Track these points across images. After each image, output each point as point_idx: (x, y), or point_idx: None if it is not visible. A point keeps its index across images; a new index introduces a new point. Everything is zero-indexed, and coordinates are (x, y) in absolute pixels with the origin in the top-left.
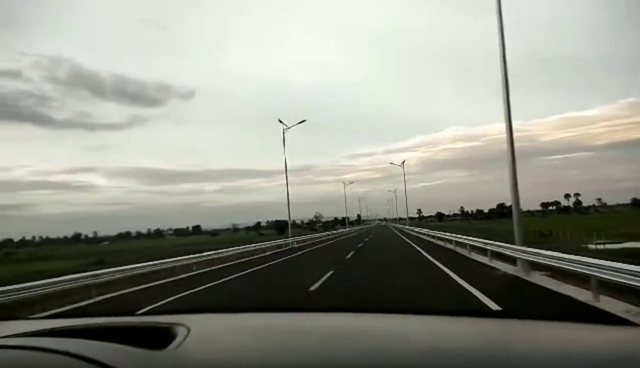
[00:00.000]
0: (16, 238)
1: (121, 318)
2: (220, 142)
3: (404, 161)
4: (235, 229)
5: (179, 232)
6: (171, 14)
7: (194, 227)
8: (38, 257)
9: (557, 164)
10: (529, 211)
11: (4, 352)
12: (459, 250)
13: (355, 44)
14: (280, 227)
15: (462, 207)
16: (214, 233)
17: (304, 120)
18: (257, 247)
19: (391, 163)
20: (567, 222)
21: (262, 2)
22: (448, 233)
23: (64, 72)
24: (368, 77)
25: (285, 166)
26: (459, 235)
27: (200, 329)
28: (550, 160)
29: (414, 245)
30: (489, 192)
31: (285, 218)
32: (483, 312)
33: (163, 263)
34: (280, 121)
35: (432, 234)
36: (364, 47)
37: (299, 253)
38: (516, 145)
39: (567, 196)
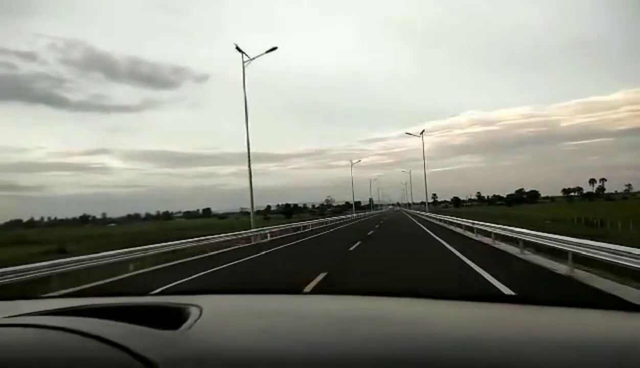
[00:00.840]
0: (27, 219)
1: (133, 298)
2: (235, 126)
3: (422, 131)
4: (243, 213)
5: (189, 215)
6: None
7: (204, 210)
8: (15, 240)
9: (576, 150)
10: (546, 197)
11: (17, 330)
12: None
13: (372, 29)
14: (287, 212)
15: (478, 193)
16: (222, 216)
17: (274, 48)
18: (234, 237)
19: (407, 133)
20: (603, 209)
21: None
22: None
23: (79, 54)
24: (384, 61)
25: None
26: (499, 226)
27: (213, 309)
28: (570, 145)
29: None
30: (505, 178)
31: (296, 202)
32: (496, 297)
33: (114, 255)
34: (238, 49)
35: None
36: (381, 32)
37: (275, 249)
38: (534, 130)
39: (592, 181)
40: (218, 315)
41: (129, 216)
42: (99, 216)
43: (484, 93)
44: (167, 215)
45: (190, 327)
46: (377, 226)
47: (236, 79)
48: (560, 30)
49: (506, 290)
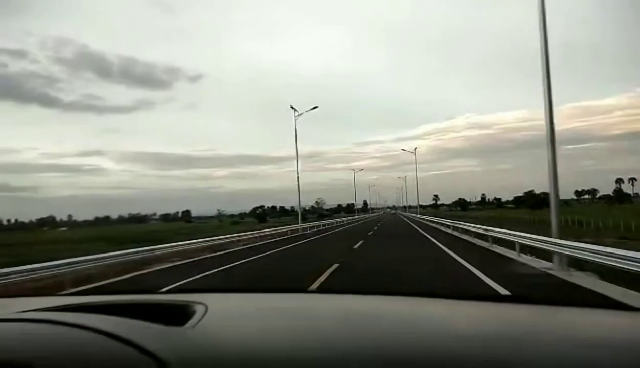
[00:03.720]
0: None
1: (139, 296)
2: (229, 128)
3: (415, 148)
4: (220, 216)
5: (166, 218)
6: None
7: (183, 212)
8: None
9: (574, 153)
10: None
11: (28, 325)
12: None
13: (367, 31)
14: (259, 217)
15: (483, 195)
16: (189, 220)
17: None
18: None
19: (403, 149)
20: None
21: None
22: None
23: (70, 53)
24: (380, 64)
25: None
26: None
27: (218, 308)
28: (567, 149)
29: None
30: (504, 181)
31: (292, 204)
32: (494, 297)
33: None
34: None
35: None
36: (376, 34)
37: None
38: (530, 133)
39: (618, 181)
40: (223, 313)
41: (97, 219)
42: (84, 217)
43: (480, 96)
44: (138, 219)
45: (196, 324)
46: (356, 247)
47: (230, 80)
48: (556, 35)
49: None
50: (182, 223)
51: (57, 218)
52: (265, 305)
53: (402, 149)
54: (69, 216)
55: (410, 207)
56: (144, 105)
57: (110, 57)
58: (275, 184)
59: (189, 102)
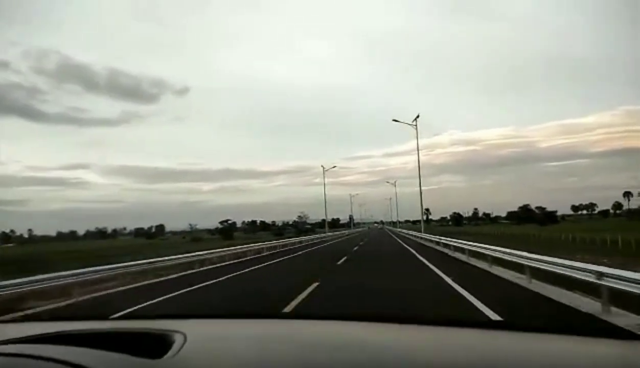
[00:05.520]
0: None
1: (114, 323)
2: (216, 142)
3: (395, 181)
4: (192, 231)
5: (139, 232)
6: (165, 8)
7: (157, 227)
8: None
9: (557, 171)
10: (552, 214)
11: None
12: None
13: (354, 47)
14: (225, 232)
15: (476, 209)
16: (180, 235)
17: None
18: None
19: (387, 182)
20: None
21: (262, 2)
22: None
23: (54, 64)
24: (368, 80)
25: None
26: None
27: (198, 336)
28: (551, 166)
29: None
30: (491, 196)
31: (282, 218)
32: (482, 323)
33: None
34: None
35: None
36: (363, 51)
37: None
38: (514, 150)
39: (626, 194)
40: (202, 342)
41: (59, 234)
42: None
43: (465, 113)
44: (104, 234)
45: (174, 355)
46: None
47: (217, 94)
48: (540, 53)
49: None
50: (143, 239)
51: (18, 233)
52: (247, 332)
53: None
54: (29, 230)
55: (399, 222)
56: (130, 118)
57: (95, 68)
58: (262, 199)
59: (176, 115)
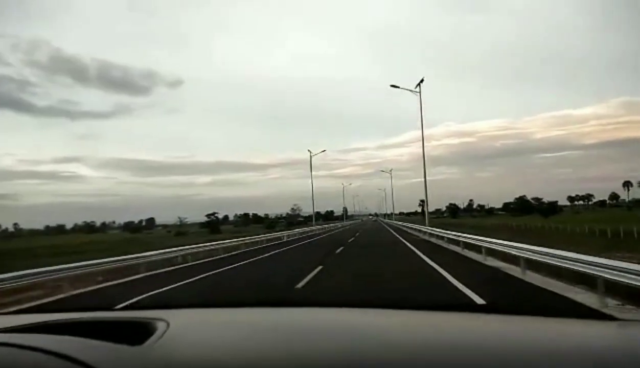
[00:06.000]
0: None
1: (98, 313)
2: (210, 134)
3: (391, 169)
4: (181, 224)
5: (127, 227)
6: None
7: (147, 220)
8: None
9: (551, 162)
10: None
11: None
12: None
13: (348, 38)
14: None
15: (471, 201)
16: (169, 229)
17: (324, 150)
18: None
19: (382, 170)
20: None
21: None
22: None
23: (44, 56)
24: (361, 71)
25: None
26: None
27: (180, 324)
28: (547, 157)
29: None
30: (486, 187)
31: (276, 211)
32: (468, 306)
33: None
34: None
35: None
36: (357, 42)
37: None
38: (509, 142)
39: (626, 184)
40: (185, 329)
41: (47, 227)
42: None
43: (460, 105)
44: (92, 227)
45: (156, 342)
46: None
47: (211, 86)
48: (535, 46)
49: None
50: (128, 233)
51: (4, 227)
52: (228, 321)
53: (381, 170)
54: (15, 224)
55: (393, 214)
56: (122, 111)
57: (86, 61)
58: (257, 191)
59: (169, 107)
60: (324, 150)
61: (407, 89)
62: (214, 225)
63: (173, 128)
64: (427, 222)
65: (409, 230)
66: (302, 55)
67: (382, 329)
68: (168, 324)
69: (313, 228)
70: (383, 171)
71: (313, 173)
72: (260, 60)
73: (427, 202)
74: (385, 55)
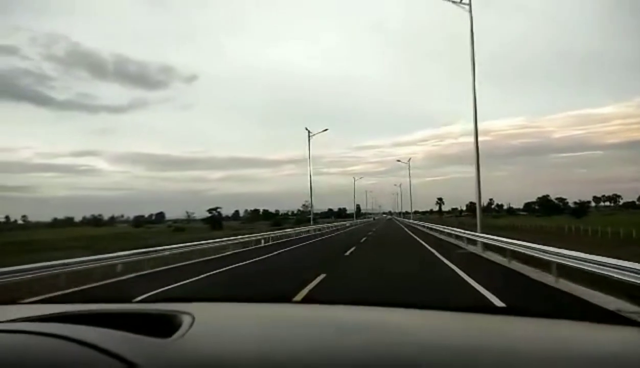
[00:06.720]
0: None
1: (124, 305)
2: (225, 130)
3: (409, 159)
4: (188, 219)
5: (137, 220)
6: None
7: (157, 215)
8: None
9: (570, 162)
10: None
11: (4, 336)
12: None
13: (365, 35)
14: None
15: (491, 200)
16: (173, 222)
17: (326, 129)
18: None
19: (398, 160)
20: None
21: None
22: None
23: (62, 50)
24: (377, 69)
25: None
26: None
27: (205, 318)
28: (563, 157)
29: None
30: (503, 186)
31: (288, 208)
32: (486, 308)
33: None
34: (307, 129)
35: None
36: (374, 39)
37: None
38: (527, 140)
39: None
40: (210, 323)
41: (55, 220)
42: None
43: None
44: (98, 221)
45: (183, 335)
46: None
47: (226, 81)
48: (554, 43)
49: None
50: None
51: (13, 219)
52: (252, 315)
53: (398, 160)
54: (23, 216)
55: (407, 212)
56: (138, 105)
57: (104, 55)
58: (270, 187)
59: (184, 102)
60: (326, 129)
61: (402, 161)
62: (214, 222)
63: (188, 123)
64: (478, 225)
65: (447, 238)
66: (317, 52)
67: (399, 328)
68: (193, 318)
69: (307, 229)
70: (399, 161)
71: (325, 170)
72: (277, 57)
73: (479, 200)
74: (402, 53)
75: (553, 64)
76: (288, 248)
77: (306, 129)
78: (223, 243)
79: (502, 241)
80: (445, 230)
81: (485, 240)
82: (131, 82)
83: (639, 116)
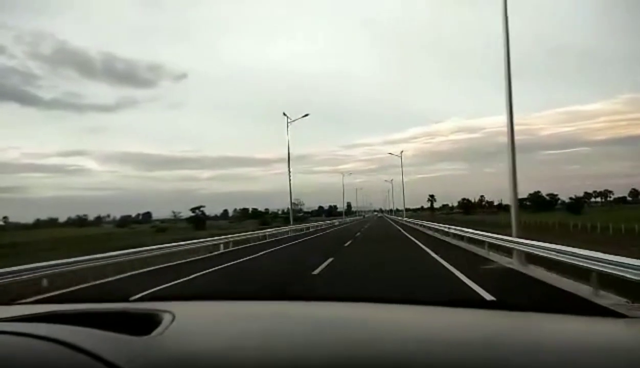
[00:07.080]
0: None
1: (104, 305)
2: (215, 129)
3: (402, 151)
4: (175, 219)
5: (124, 220)
6: None
7: (143, 215)
8: None
9: (559, 158)
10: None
11: None
12: None
13: (354, 33)
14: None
15: (482, 196)
16: (160, 222)
17: (307, 115)
18: None
19: (390, 153)
20: None
21: None
22: None
23: (49, 49)
24: (367, 67)
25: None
26: None
27: (186, 316)
28: (552, 154)
29: None
30: (493, 184)
31: (279, 207)
32: (477, 303)
33: None
34: (285, 114)
35: None
36: (363, 37)
37: None
38: (517, 138)
39: None
40: (191, 321)
41: (38, 221)
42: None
43: (467, 100)
44: (83, 222)
45: (162, 333)
46: None
47: (215, 80)
48: (542, 41)
49: None
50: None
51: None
52: (234, 313)
53: (389, 153)
54: (4, 218)
55: (397, 210)
56: (127, 104)
57: (91, 53)
58: (260, 186)
59: (173, 101)
60: (307, 115)
61: (395, 155)
62: (198, 221)
63: (177, 122)
64: (514, 228)
65: (456, 242)
66: (307, 50)
67: (392, 323)
68: (174, 316)
69: (284, 229)
70: (391, 153)
71: (317, 168)
72: (265, 54)
73: (515, 196)
74: (392, 50)
75: (542, 61)
76: (309, 237)
77: (284, 114)
78: (190, 246)
79: (567, 253)
80: (451, 231)
81: (526, 249)
82: (120, 80)
83: (625, 113)
